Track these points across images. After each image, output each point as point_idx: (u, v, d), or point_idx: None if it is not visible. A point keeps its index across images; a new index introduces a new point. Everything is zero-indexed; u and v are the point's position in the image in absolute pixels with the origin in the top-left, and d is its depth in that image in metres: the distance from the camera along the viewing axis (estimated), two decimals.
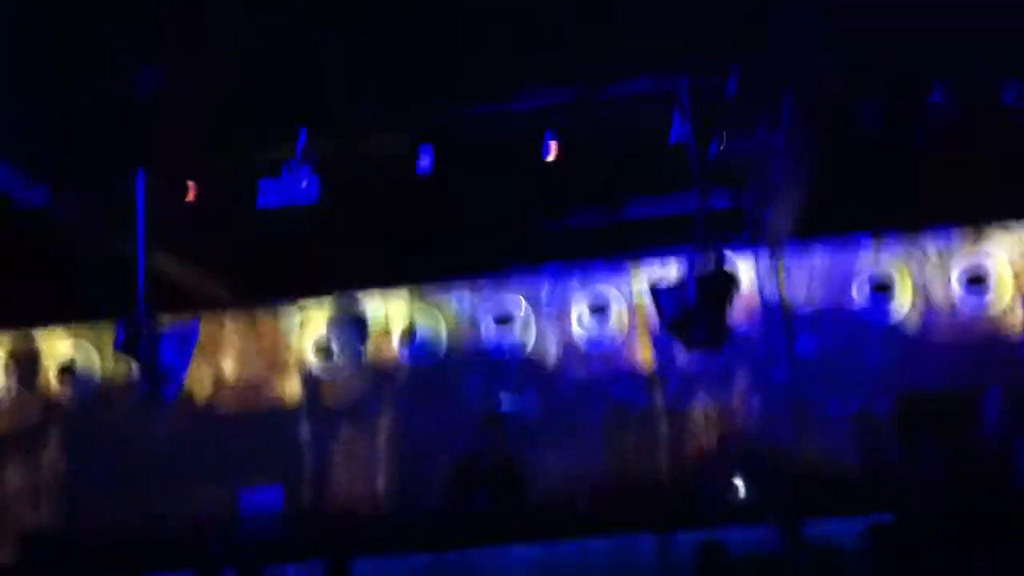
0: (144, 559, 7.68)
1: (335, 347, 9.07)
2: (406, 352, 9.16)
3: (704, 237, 6.95)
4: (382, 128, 6.94)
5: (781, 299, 8.80)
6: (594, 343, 8.98)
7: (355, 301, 9.11)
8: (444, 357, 9.15)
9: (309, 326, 9.32)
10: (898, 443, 7.41)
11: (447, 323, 9.21)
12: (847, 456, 7.73)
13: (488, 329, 9.13)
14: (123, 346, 7.26)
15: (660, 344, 8.59)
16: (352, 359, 9.12)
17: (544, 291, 9.10)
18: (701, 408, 8.58)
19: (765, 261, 8.77)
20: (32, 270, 8.30)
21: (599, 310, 9.00)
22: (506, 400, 8.97)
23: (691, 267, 6.74)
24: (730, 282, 6.75)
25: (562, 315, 9.08)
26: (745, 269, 8.07)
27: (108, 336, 8.31)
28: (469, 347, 9.18)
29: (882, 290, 8.72)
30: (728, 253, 6.97)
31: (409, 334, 9.21)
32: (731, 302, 6.98)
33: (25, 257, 8.30)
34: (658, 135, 7.24)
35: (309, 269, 8.70)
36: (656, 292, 7.19)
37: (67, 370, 9.39)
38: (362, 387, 9.20)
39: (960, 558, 4.63)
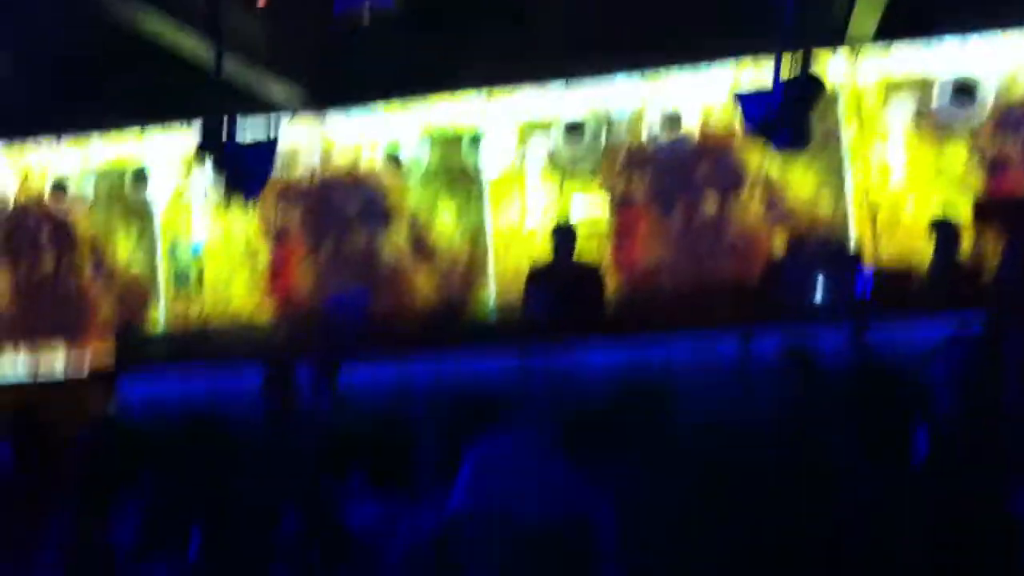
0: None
1: None
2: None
3: (789, 39, 6.71)
4: None
5: (859, 104, 8.67)
6: (665, 148, 8.96)
7: None
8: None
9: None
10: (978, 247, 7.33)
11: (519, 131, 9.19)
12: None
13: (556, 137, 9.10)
14: (205, 149, 7.25)
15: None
16: None
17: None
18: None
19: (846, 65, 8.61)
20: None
21: (673, 118, 8.92)
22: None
23: (777, 71, 6.56)
24: (816, 85, 6.58)
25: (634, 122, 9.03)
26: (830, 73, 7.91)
27: None
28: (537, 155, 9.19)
29: (963, 92, 8.52)
30: (816, 56, 6.72)
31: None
32: (816, 103, 6.84)
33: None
34: None
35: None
36: (741, 97, 7.04)
37: None
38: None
39: None
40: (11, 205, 10.11)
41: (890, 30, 8.36)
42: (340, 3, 7.01)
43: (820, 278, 6.07)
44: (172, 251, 9.76)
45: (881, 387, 4.16)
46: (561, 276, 7.39)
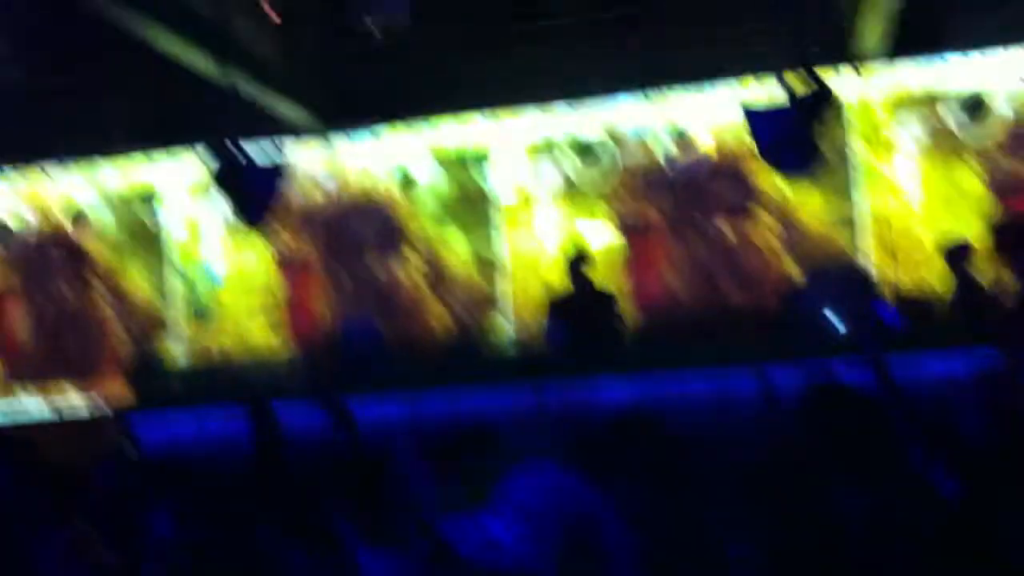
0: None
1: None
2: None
3: (801, 56, 6.66)
4: None
5: (874, 124, 8.62)
6: (681, 169, 8.92)
7: None
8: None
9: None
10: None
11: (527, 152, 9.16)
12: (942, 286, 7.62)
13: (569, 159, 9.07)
14: (216, 174, 7.23)
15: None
16: None
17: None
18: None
19: (857, 82, 8.56)
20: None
21: (685, 135, 8.88)
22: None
23: (788, 89, 6.49)
24: (826, 100, 6.50)
25: (647, 142, 9.00)
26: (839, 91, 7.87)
27: None
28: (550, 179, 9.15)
29: (973, 110, 8.48)
30: (824, 74, 6.67)
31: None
32: (826, 120, 6.78)
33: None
34: None
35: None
36: (750, 115, 6.98)
37: None
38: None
39: None
40: (26, 234, 10.04)
41: (898, 47, 8.31)
42: (352, 15, 6.92)
43: (840, 308, 6.00)
44: (187, 281, 9.71)
45: (907, 421, 4.11)
46: (579, 305, 7.33)
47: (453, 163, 9.27)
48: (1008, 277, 6.72)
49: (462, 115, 9.12)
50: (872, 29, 7.87)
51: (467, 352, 6.28)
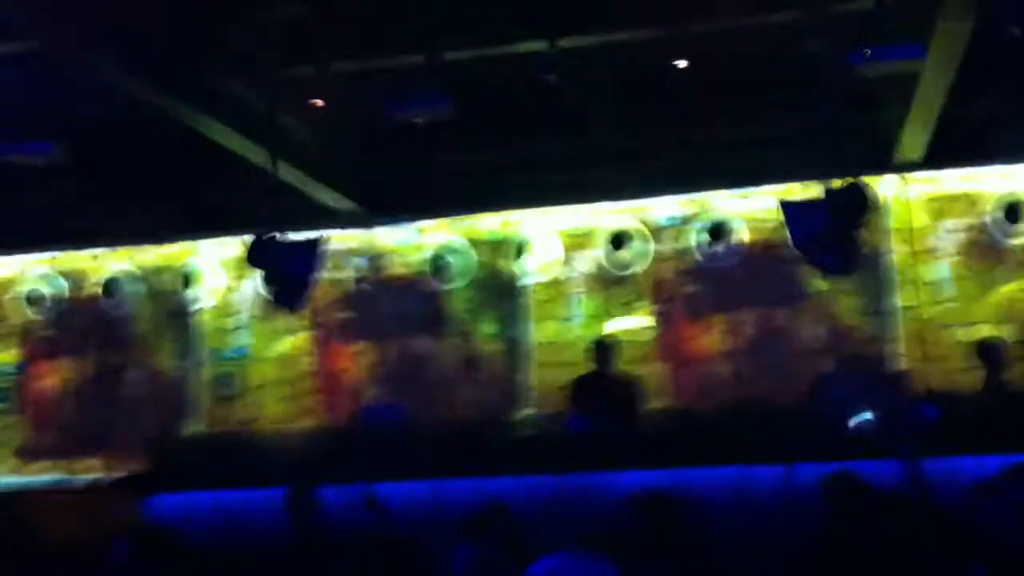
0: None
1: None
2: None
3: (839, 156, 6.70)
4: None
5: (909, 221, 8.62)
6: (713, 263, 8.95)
7: None
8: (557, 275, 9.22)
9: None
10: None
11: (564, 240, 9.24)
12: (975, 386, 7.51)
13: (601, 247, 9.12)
14: (252, 258, 7.34)
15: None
16: None
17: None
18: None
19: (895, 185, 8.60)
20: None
21: (720, 230, 8.91)
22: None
23: (827, 187, 6.53)
24: (866, 203, 6.52)
25: (679, 235, 9.05)
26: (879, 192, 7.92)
27: None
28: (581, 266, 9.20)
29: (1011, 214, 8.46)
30: (864, 176, 6.69)
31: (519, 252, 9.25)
32: (865, 225, 6.79)
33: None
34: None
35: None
36: (787, 209, 7.00)
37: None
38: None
39: None
40: (61, 304, 10.22)
41: (939, 154, 8.36)
42: (393, 106, 7.04)
43: (872, 405, 5.92)
44: (214, 356, 9.80)
45: (938, 522, 4.03)
46: (602, 389, 7.32)
47: (487, 248, 9.37)
48: None
49: (498, 208, 9.24)
50: (914, 136, 7.93)
51: (493, 437, 6.25)
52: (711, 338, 8.86)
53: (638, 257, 9.09)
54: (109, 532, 5.23)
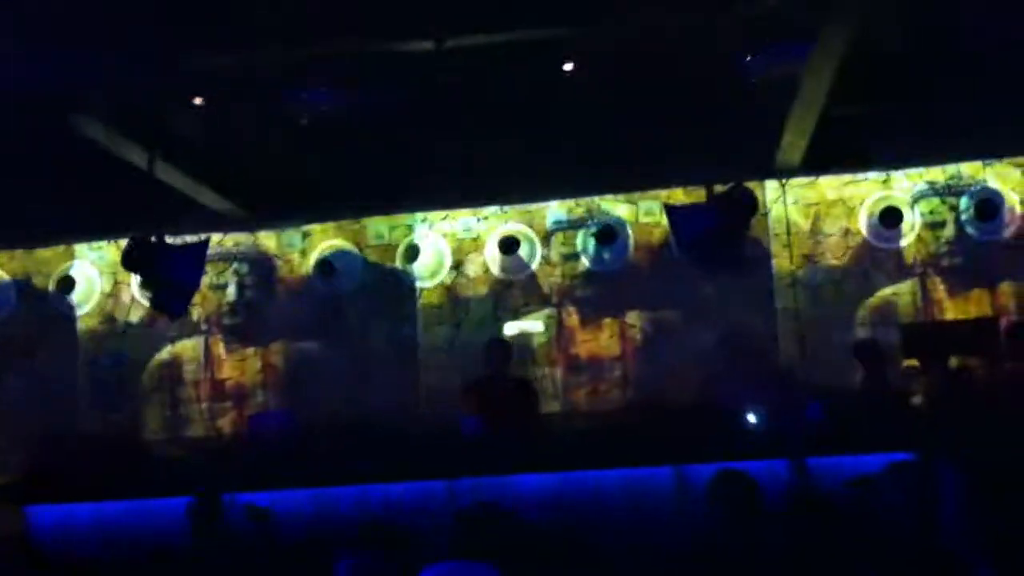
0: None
1: None
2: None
3: (724, 161, 6.85)
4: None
5: (788, 226, 8.82)
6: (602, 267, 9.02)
7: None
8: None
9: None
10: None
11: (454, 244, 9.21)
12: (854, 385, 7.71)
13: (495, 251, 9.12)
14: (129, 262, 7.15)
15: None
16: None
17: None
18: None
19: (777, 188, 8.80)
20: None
21: (608, 234, 8.98)
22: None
23: (710, 188, 6.67)
24: (750, 204, 6.68)
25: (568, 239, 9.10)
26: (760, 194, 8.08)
27: None
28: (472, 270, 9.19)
29: (890, 219, 8.72)
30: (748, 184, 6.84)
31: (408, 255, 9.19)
32: (748, 226, 6.95)
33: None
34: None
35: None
36: (672, 212, 7.12)
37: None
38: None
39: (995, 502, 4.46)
40: None
41: (817, 161, 8.58)
42: (279, 105, 6.86)
43: (760, 404, 6.02)
44: (95, 362, 9.47)
45: (826, 516, 4.12)
46: (495, 390, 7.29)
47: (376, 251, 9.28)
48: (919, 377, 6.87)
49: (388, 212, 9.16)
50: (795, 141, 8.10)
51: (384, 443, 6.17)
52: (603, 341, 8.93)
53: (528, 261, 9.11)
54: None
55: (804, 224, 8.85)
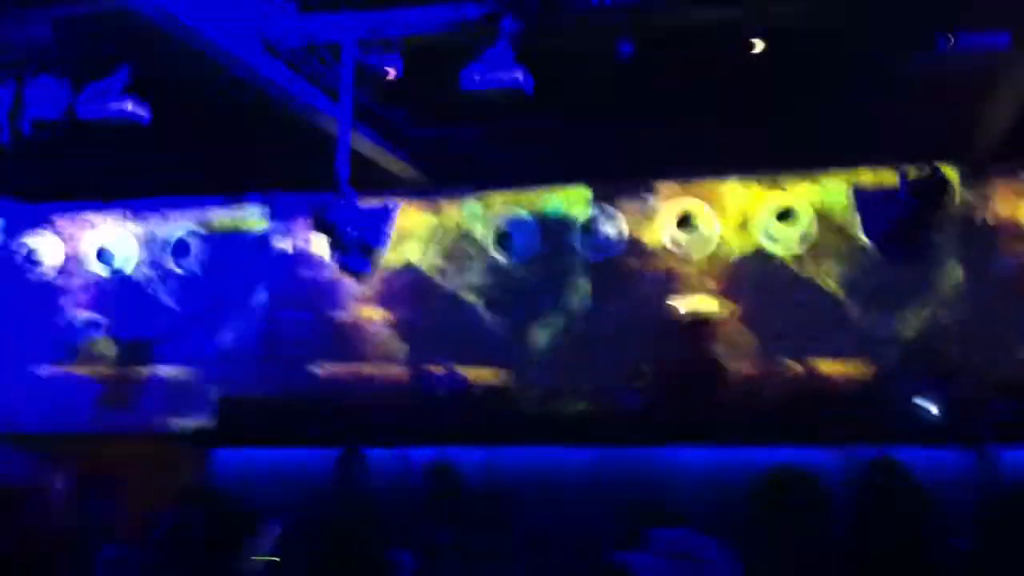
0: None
1: None
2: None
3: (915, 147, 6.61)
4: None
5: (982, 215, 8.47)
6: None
7: None
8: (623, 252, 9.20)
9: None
10: None
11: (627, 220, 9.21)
12: None
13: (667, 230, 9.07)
14: (322, 223, 7.39)
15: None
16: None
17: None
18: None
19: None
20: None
21: (786, 215, 8.81)
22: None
23: (903, 175, 6.43)
24: (944, 193, 6.41)
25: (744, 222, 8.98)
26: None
27: None
28: (645, 246, 9.17)
29: None
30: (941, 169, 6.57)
31: (589, 229, 9.23)
32: (942, 215, 6.69)
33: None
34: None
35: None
36: (861, 198, 6.91)
37: None
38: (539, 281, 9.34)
39: None
40: None
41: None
42: (469, 80, 6.94)
43: (939, 398, 5.86)
44: None
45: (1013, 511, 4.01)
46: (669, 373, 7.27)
47: (546, 221, 9.38)
48: None
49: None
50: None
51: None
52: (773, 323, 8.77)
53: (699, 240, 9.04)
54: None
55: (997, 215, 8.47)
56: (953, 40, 6.34)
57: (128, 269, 10.19)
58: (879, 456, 5.27)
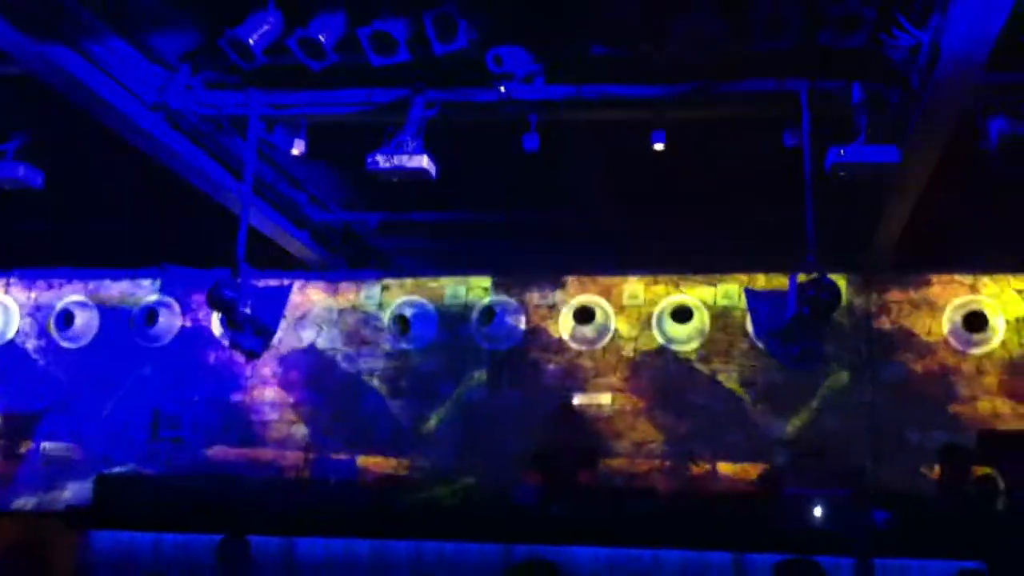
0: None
1: None
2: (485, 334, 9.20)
3: (812, 250, 6.75)
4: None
5: (870, 322, 8.70)
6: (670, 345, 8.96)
7: None
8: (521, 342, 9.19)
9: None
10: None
11: (526, 309, 9.22)
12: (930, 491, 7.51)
13: (568, 321, 9.11)
14: (217, 300, 7.23)
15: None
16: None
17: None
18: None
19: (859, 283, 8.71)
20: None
21: (685, 314, 8.93)
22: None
23: (794, 279, 6.57)
24: (834, 298, 6.55)
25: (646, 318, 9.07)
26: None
27: None
28: (542, 335, 9.18)
29: (974, 322, 8.57)
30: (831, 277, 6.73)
31: (488, 318, 9.21)
32: (829, 320, 6.83)
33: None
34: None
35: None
36: (754, 297, 7.04)
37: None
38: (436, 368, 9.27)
39: None
40: None
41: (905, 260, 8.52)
42: (374, 163, 6.95)
43: (825, 502, 5.91)
44: None
45: None
46: (557, 463, 7.24)
47: (451, 311, 9.33)
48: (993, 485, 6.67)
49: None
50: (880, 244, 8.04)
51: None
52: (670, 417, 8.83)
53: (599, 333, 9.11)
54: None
55: (886, 322, 8.73)
56: (844, 153, 6.52)
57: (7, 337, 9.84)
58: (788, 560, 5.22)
